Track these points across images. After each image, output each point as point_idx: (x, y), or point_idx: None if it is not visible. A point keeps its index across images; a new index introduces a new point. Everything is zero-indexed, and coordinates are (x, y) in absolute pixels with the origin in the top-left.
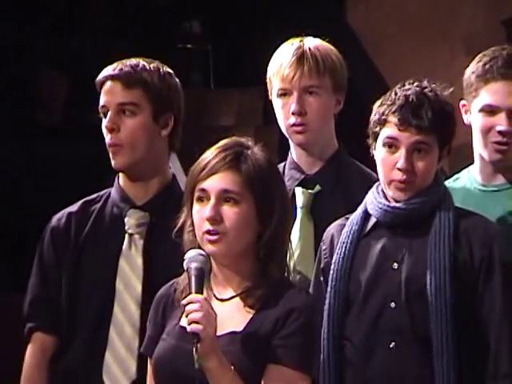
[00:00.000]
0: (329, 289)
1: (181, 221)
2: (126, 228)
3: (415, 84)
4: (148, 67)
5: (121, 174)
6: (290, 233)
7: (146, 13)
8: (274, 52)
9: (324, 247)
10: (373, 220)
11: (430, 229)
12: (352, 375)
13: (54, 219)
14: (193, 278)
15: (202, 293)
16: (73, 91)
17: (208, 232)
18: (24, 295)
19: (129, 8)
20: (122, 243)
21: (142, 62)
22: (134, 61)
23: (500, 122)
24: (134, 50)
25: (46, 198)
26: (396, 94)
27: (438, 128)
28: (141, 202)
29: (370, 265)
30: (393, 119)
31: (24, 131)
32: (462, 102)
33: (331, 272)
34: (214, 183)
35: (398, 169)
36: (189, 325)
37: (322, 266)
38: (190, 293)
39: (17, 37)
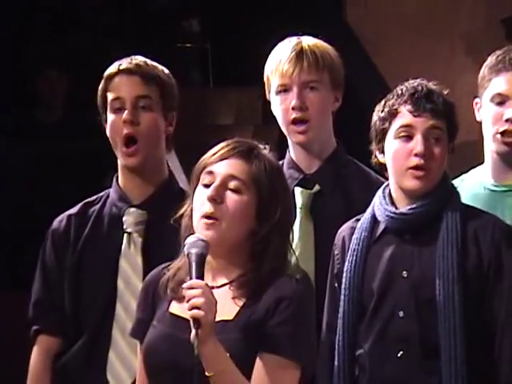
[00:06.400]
0: (342, 297)
1: (184, 207)
2: (125, 227)
3: (418, 80)
4: (160, 67)
5: (120, 173)
6: (290, 234)
7: (145, 12)
8: (273, 51)
9: (336, 252)
10: (382, 225)
11: (438, 234)
12: (365, 382)
13: (55, 222)
14: (193, 264)
15: (202, 278)
16: (72, 90)
17: (205, 216)
18: (23, 295)
19: (128, 7)
20: (122, 242)
21: (148, 60)
22: (142, 58)
23: (508, 111)
24: (132, 48)
25: (46, 197)
26: (402, 88)
27: (448, 115)
28: (139, 201)
29: (380, 273)
30: (405, 107)
31: (23, 130)
32: (476, 100)
33: (344, 280)
34: (223, 167)
35: (416, 154)
36: (189, 310)
37: (335, 271)
38: (190, 278)
39: (16, 36)
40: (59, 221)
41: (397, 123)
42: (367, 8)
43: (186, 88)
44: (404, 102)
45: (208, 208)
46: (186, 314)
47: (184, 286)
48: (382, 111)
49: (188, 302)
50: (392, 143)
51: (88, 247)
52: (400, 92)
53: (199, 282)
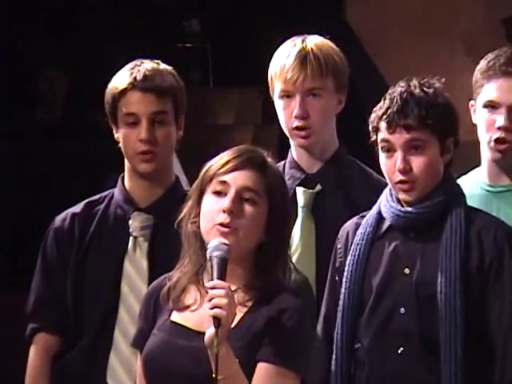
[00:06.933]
0: (343, 290)
1: (184, 211)
2: (131, 231)
3: (402, 84)
4: (169, 71)
5: (127, 175)
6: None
7: (145, 12)
8: (273, 51)
9: (339, 246)
10: (387, 222)
11: (441, 234)
12: (362, 377)
13: (58, 220)
14: (215, 266)
15: (224, 280)
16: (72, 90)
17: (221, 224)
18: (22, 295)
19: (128, 7)
20: (127, 245)
21: (159, 65)
22: (152, 65)
23: (500, 118)
24: (132, 48)
25: (46, 197)
26: (384, 98)
27: (429, 122)
28: (145, 205)
29: (382, 268)
30: (382, 124)
31: (24, 130)
32: (471, 102)
33: (345, 273)
34: (238, 178)
35: (398, 170)
36: (211, 309)
37: (336, 265)
38: (211, 279)
39: (16, 36)
40: (62, 219)
41: (379, 138)
42: (367, 8)
43: (186, 88)
44: (380, 117)
45: (224, 218)
46: (187, 323)
47: (207, 285)
48: (370, 123)
49: (210, 300)
50: (380, 156)
51: (93, 246)
52: (381, 104)
53: (222, 282)
